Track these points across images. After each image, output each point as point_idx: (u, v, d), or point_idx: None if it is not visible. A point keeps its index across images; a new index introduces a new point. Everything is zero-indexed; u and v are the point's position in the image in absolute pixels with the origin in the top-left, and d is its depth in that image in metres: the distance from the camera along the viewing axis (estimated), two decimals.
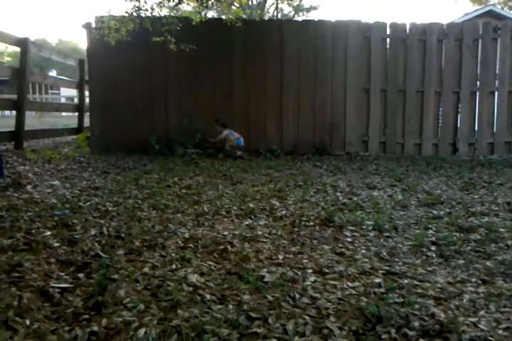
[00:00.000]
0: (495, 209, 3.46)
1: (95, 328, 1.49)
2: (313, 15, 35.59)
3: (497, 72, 7.11)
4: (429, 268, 2.19)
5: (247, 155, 6.39)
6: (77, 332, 1.48)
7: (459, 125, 7.15)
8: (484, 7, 16.94)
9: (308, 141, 7.00)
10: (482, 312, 1.73)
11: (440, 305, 1.78)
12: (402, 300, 1.78)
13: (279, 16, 34.70)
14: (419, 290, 1.90)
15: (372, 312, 1.64)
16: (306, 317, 1.63)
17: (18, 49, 6.40)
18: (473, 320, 1.66)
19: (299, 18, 33.99)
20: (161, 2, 5.64)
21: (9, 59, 48.61)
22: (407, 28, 6.99)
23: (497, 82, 7.11)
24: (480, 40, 7.04)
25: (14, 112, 6.35)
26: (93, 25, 6.44)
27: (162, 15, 5.95)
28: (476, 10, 17.48)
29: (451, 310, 1.73)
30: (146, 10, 5.49)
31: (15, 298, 1.67)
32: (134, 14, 5.49)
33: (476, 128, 7.19)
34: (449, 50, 7.02)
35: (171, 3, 5.99)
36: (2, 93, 24.00)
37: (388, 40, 7.05)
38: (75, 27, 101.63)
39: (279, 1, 35.35)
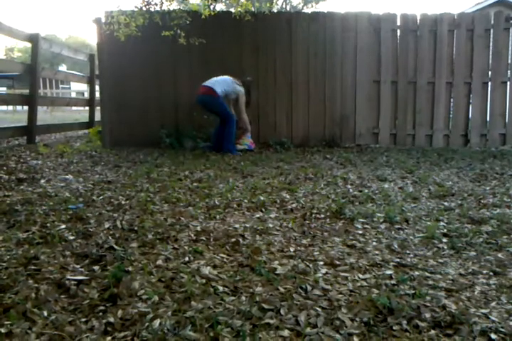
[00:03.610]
0: (507, 200, 3.44)
1: (111, 319, 1.52)
2: (322, 7, 35.25)
3: (509, 61, 7.03)
4: (440, 260, 2.19)
5: (256, 148, 6.44)
6: (94, 323, 1.51)
7: (470, 116, 7.10)
8: None
9: (318, 133, 7.00)
10: (493, 304, 1.74)
11: (451, 296, 1.79)
12: (414, 291, 1.79)
13: (288, 8, 34.48)
14: (431, 282, 1.91)
15: (384, 303, 1.66)
16: (318, 309, 1.64)
17: (28, 44, 6.45)
18: (485, 311, 1.67)
19: (308, 9, 33.76)
20: None
21: (20, 54, 48.96)
22: (418, 18, 6.92)
23: (509, 72, 7.03)
24: (492, 30, 6.95)
25: (26, 107, 6.41)
26: (103, 21, 6.46)
27: (171, 9, 5.96)
28: None
29: (462, 302, 1.74)
30: (156, 4, 5.51)
31: (32, 290, 1.71)
32: (144, 9, 5.50)
33: (488, 118, 7.13)
34: (461, 41, 6.95)
35: None
36: (13, 88, 24.21)
37: (398, 31, 6.99)
38: (85, 22, 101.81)
39: None
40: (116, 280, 1.80)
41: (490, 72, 7.03)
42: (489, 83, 7.04)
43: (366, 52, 6.94)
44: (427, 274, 2.00)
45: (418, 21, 6.93)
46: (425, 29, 6.92)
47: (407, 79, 6.98)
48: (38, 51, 6.22)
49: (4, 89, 25.88)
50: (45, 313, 1.55)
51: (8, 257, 2.02)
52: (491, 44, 6.99)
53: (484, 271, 2.06)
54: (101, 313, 1.57)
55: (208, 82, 5.97)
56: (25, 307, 1.57)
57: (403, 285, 1.86)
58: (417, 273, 2.01)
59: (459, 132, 7.08)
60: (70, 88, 30.68)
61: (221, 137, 6.06)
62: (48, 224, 2.54)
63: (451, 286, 1.88)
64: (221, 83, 5.98)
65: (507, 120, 7.08)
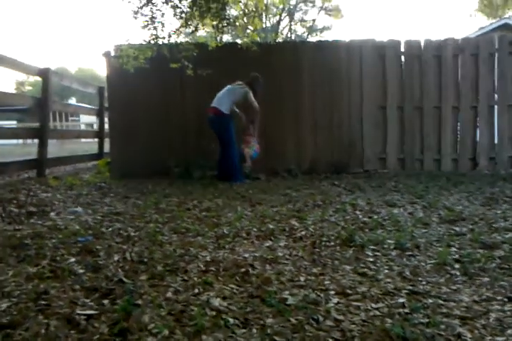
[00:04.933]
0: None
1: None
2: (326, 36, 35.89)
3: None
4: (453, 287, 2.16)
5: (264, 176, 6.42)
6: None
7: (478, 139, 7.10)
8: (499, 20, 16.91)
9: (325, 159, 7.01)
10: (509, 331, 1.70)
11: (466, 324, 1.76)
12: (428, 320, 1.76)
13: (293, 37, 35.11)
14: (444, 310, 1.88)
15: (398, 333, 1.63)
16: (331, 340, 1.62)
17: (39, 78, 6.60)
18: (501, 339, 1.64)
19: (313, 38, 34.34)
20: (177, 29, 5.77)
21: (30, 88, 49.91)
22: (422, 44, 7.02)
23: None
24: (496, 54, 7.02)
25: (35, 140, 6.50)
26: (112, 54, 6.63)
27: (179, 41, 6.09)
28: (491, 23, 17.44)
29: (477, 330, 1.71)
30: (164, 37, 5.62)
31: (42, 325, 1.70)
32: (152, 42, 5.62)
33: (496, 142, 7.12)
34: (465, 65, 7.02)
35: (188, 30, 6.13)
36: (24, 121, 24.59)
37: (403, 57, 7.08)
38: (94, 55, 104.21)
39: (292, 23, 35.79)
40: (126, 313, 1.78)
41: (496, 96, 7.06)
42: (495, 106, 7.06)
43: (372, 79, 7.02)
44: (440, 302, 1.97)
45: (422, 47, 7.01)
46: (429, 54, 7.00)
47: (413, 105, 7.03)
48: (49, 85, 6.35)
49: (15, 122, 26.31)
50: None
51: (18, 292, 2.02)
52: (495, 68, 7.04)
53: (498, 297, 2.03)
54: None
55: (214, 102, 6.05)
56: None
57: (417, 314, 1.83)
58: (430, 300, 1.98)
59: (467, 156, 7.06)
60: (79, 120, 31.09)
61: (223, 164, 6.11)
62: (58, 258, 2.54)
63: (465, 314, 1.85)
64: (224, 97, 6.02)
65: None
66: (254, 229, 3.28)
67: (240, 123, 6.32)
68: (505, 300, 2.00)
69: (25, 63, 6.02)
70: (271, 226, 3.33)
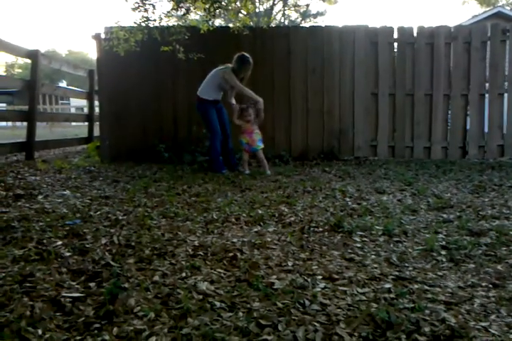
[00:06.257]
0: (505, 212, 3.43)
1: (106, 337, 1.51)
2: (320, 21, 35.63)
3: (506, 73, 7.07)
4: (439, 273, 2.18)
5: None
6: None
7: (468, 128, 7.12)
8: (492, 9, 16.91)
9: (316, 146, 7.01)
10: (493, 317, 1.72)
11: (451, 309, 1.77)
12: (413, 305, 1.77)
13: (286, 23, 34.84)
14: (430, 295, 1.89)
15: (383, 318, 1.64)
16: (316, 324, 1.62)
17: (28, 61, 6.50)
18: (484, 324, 1.65)
19: (306, 24, 34.09)
20: (169, 12, 5.68)
21: (20, 71, 49.26)
22: (415, 31, 6.98)
23: (506, 83, 7.07)
24: (488, 42, 7.01)
25: (25, 123, 6.44)
26: (102, 36, 6.53)
27: (170, 24, 6.00)
28: (485, 12, 17.44)
29: (461, 315, 1.72)
30: (155, 20, 5.54)
31: (27, 307, 1.69)
32: (143, 24, 5.54)
33: (486, 130, 7.15)
34: (458, 53, 7.01)
35: (179, 13, 6.03)
36: (13, 104, 24.31)
37: (396, 44, 7.05)
38: (85, 38, 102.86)
39: (285, 8, 35.49)
40: (112, 297, 1.78)
41: (487, 84, 7.07)
42: (486, 95, 7.07)
43: (364, 65, 6.99)
44: (426, 287, 1.99)
45: (415, 34, 6.98)
46: (422, 42, 6.97)
47: (404, 92, 7.02)
48: (38, 67, 6.26)
49: (4, 105, 25.98)
50: (40, 332, 1.53)
51: (3, 274, 2.00)
52: (487, 56, 7.04)
53: (483, 284, 2.04)
54: (96, 331, 1.56)
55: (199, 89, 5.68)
56: (19, 325, 1.55)
57: (402, 299, 1.84)
58: (416, 286, 2.00)
59: (457, 144, 7.09)
60: (69, 104, 30.80)
61: (224, 151, 5.72)
62: (45, 241, 2.52)
63: (450, 299, 1.86)
64: (205, 82, 5.60)
65: (505, 131, 7.11)
66: (244, 215, 3.27)
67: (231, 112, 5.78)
68: (490, 286, 2.02)
69: (14, 44, 5.92)
70: (260, 212, 3.33)
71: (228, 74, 5.44)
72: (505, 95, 7.07)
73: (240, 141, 5.61)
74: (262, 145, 5.60)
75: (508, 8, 30.03)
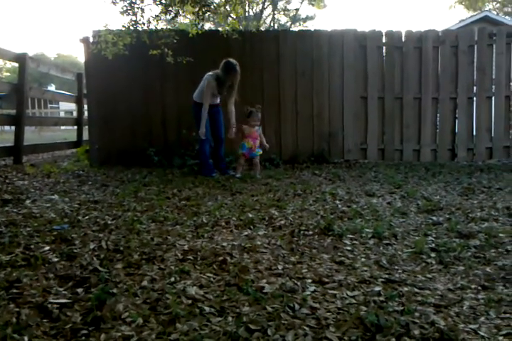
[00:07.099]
0: (494, 214, 3.45)
1: None
2: (309, 25, 35.81)
3: (493, 77, 7.14)
4: (428, 275, 2.18)
5: (246, 165, 5.94)
6: None
7: (457, 131, 7.17)
8: (479, 13, 17.07)
9: (306, 149, 7.02)
10: (482, 319, 1.72)
11: (440, 312, 1.77)
12: (402, 308, 1.77)
13: (276, 27, 34.92)
14: (419, 298, 1.89)
15: (372, 321, 1.64)
16: (306, 328, 1.62)
17: (16, 64, 6.45)
18: (474, 326, 1.65)
19: (296, 28, 34.21)
20: (157, 15, 5.67)
21: (8, 74, 48.91)
22: (403, 35, 7.04)
23: (494, 87, 7.14)
24: (476, 46, 7.08)
25: (13, 127, 6.38)
26: (91, 40, 6.49)
27: (159, 28, 5.98)
28: (472, 16, 17.61)
29: (451, 317, 1.72)
30: (143, 23, 5.52)
31: (13, 314, 1.67)
32: (131, 28, 5.52)
33: (474, 133, 7.21)
34: (445, 57, 7.07)
35: (168, 16, 6.02)
36: (1, 108, 24.12)
37: (384, 48, 7.09)
38: (73, 41, 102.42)
39: (275, 12, 35.58)
40: (100, 302, 1.76)
41: (475, 88, 7.13)
42: (474, 98, 7.13)
43: (353, 69, 7.02)
44: (415, 290, 1.99)
45: (403, 38, 7.03)
46: (410, 46, 7.02)
47: (393, 95, 7.06)
48: (26, 71, 6.21)
49: None
50: (26, 338, 1.51)
51: None
52: (475, 60, 7.10)
53: (473, 286, 2.05)
54: (84, 337, 1.54)
55: None
56: (5, 332, 1.52)
57: (392, 302, 1.84)
58: (405, 289, 2.00)
59: (446, 147, 7.14)
60: (58, 107, 30.62)
61: (215, 156, 5.78)
62: (32, 246, 2.49)
63: (439, 302, 1.86)
64: (200, 87, 5.59)
65: (493, 134, 7.16)
66: (234, 218, 3.26)
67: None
68: (479, 288, 2.03)
69: (1, 47, 5.88)
70: (250, 216, 3.32)
71: (207, 86, 5.43)
72: (493, 98, 7.13)
73: (242, 145, 5.54)
74: (260, 151, 5.62)
75: (495, 12, 30.35)
